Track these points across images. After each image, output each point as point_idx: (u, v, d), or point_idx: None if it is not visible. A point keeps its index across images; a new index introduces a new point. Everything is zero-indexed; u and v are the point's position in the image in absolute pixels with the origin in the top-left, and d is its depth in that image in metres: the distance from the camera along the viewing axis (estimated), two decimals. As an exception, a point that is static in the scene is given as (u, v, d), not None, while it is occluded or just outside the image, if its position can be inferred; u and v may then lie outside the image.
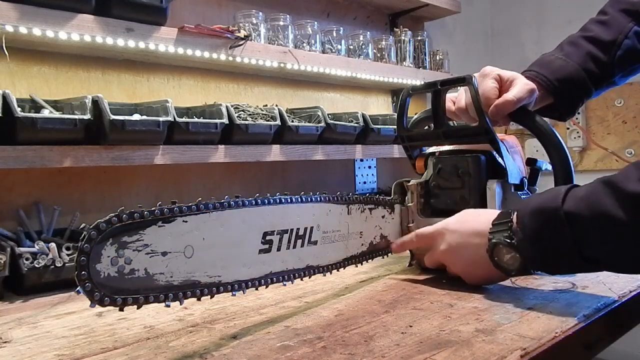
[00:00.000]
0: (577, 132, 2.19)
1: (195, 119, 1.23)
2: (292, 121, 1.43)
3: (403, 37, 1.87)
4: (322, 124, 1.45)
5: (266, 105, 1.46)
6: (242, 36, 1.32)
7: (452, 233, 0.76)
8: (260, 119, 1.34)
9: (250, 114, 1.34)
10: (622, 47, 0.90)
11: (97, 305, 0.50)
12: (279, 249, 0.68)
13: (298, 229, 0.71)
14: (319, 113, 1.48)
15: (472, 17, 2.49)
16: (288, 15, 1.51)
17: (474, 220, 0.74)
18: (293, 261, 0.70)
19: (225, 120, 1.24)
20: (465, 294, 0.73)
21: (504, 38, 2.58)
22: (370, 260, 0.84)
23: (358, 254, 0.82)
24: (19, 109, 0.95)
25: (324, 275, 0.75)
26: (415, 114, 1.01)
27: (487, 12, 2.62)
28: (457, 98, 0.92)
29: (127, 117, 1.08)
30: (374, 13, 2.03)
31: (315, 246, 0.73)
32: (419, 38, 1.97)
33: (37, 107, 1.10)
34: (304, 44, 1.55)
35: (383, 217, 0.87)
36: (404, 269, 0.93)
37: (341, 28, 1.68)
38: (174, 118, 1.14)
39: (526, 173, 0.94)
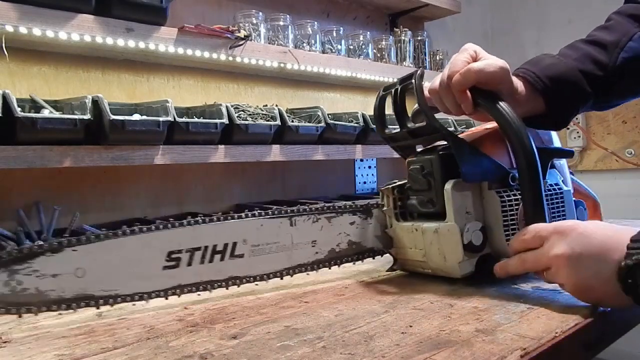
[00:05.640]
0: (577, 132, 2.19)
1: (195, 119, 1.23)
2: (292, 121, 1.43)
3: (403, 37, 1.88)
4: (322, 124, 1.45)
5: (266, 105, 1.46)
6: (242, 36, 1.32)
7: (578, 236, 0.62)
8: (260, 119, 1.34)
9: (250, 114, 1.34)
10: (625, 48, 0.81)
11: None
12: (189, 264, 0.68)
13: (215, 245, 0.69)
14: (319, 113, 1.48)
15: (472, 17, 2.49)
16: (288, 15, 1.51)
17: (610, 230, 0.61)
18: (211, 273, 0.69)
19: (225, 120, 1.24)
20: (465, 294, 0.73)
21: (504, 38, 2.58)
22: (336, 266, 0.81)
23: (310, 262, 0.79)
24: (19, 109, 0.95)
25: (257, 284, 0.74)
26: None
27: (487, 12, 2.62)
28: (431, 86, 0.81)
29: (127, 117, 1.08)
30: (374, 13, 2.03)
31: (241, 259, 0.72)
32: (419, 38, 1.98)
33: (37, 107, 1.10)
34: (304, 44, 1.55)
35: (352, 223, 0.83)
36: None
37: (341, 28, 1.68)
38: (174, 118, 1.14)
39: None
